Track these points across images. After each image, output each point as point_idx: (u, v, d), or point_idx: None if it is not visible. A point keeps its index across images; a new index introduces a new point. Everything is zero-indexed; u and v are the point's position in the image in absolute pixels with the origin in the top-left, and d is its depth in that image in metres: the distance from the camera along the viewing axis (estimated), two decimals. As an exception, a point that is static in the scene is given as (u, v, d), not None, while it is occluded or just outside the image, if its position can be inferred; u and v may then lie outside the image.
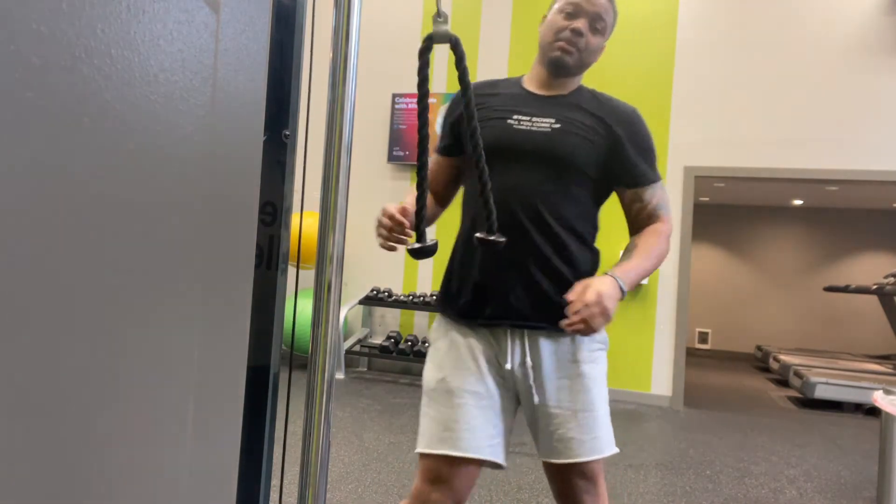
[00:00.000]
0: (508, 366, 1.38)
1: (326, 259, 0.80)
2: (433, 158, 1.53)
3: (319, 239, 0.80)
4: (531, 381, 1.38)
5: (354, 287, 5.96)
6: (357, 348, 5.68)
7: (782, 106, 5.05)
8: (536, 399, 1.38)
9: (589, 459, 1.34)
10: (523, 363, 1.38)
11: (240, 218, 0.63)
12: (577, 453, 1.34)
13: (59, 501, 0.40)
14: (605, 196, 1.49)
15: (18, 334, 0.36)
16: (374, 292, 5.61)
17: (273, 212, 0.92)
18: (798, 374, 5.95)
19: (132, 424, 0.47)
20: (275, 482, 2.43)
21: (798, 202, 9.52)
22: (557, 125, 1.39)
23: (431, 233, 5.84)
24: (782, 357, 6.99)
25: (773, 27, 5.08)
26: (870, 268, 9.55)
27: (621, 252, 1.62)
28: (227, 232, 0.60)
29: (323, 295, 0.80)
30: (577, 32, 1.36)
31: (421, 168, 0.93)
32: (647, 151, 1.44)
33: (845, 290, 7.59)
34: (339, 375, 5.46)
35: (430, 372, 1.43)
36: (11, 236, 0.35)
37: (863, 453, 4.07)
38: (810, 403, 5.80)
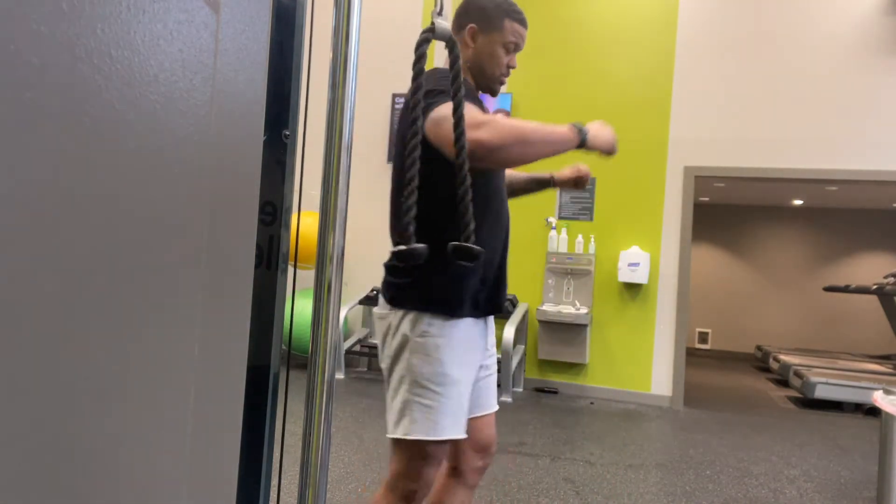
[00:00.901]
0: (491, 348, 1.60)
1: (326, 259, 0.80)
2: None
3: (319, 239, 0.80)
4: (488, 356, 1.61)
5: (354, 287, 5.96)
6: (357, 348, 5.68)
7: (782, 106, 5.05)
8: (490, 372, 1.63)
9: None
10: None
11: (240, 218, 0.63)
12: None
13: (60, 501, 0.40)
14: None
15: (18, 334, 0.36)
16: (374, 292, 5.61)
17: (273, 212, 0.92)
18: (798, 374, 5.95)
19: (132, 424, 0.47)
20: (274, 482, 2.43)
21: (798, 202, 9.52)
22: None
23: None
24: (782, 357, 6.99)
25: (773, 27, 5.08)
26: (870, 268, 9.55)
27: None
28: (227, 232, 0.60)
29: (323, 295, 0.80)
30: (511, 69, 1.54)
31: (413, 151, 0.92)
32: None
33: (845, 290, 7.59)
34: (339, 375, 5.46)
35: (439, 365, 1.43)
36: (12, 236, 0.35)
37: (863, 453, 4.07)
38: (810, 403, 5.80)
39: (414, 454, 1.41)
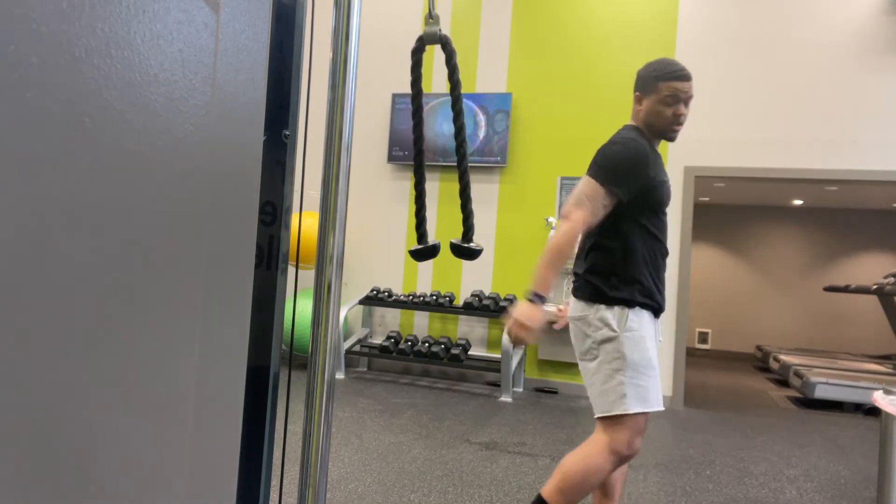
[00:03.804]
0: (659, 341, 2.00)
1: (326, 259, 0.80)
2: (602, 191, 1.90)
3: (319, 239, 0.80)
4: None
5: (354, 287, 5.96)
6: (357, 348, 5.68)
7: (782, 106, 5.05)
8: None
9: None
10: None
11: (240, 218, 0.63)
12: None
13: (60, 501, 0.40)
14: None
15: (18, 334, 0.36)
16: (374, 292, 5.61)
17: (273, 212, 0.92)
18: (798, 374, 5.95)
19: (132, 424, 0.47)
20: (275, 482, 2.43)
21: (798, 202, 9.52)
22: (668, 179, 1.98)
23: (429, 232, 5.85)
24: (782, 357, 6.99)
25: (773, 27, 5.08)
26: (870, 268, 9.55)
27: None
28: (227, 232, 0.60)
29: (323, 295, 0.80)
30: (681, 117, 1.92)
31: (418, 168, 0.92)
32: None
33: (845, 290, 7.59)
34: (339, 375, 5.46)
35: (644, 352, 1.86)
36: (12, 235, 0.35)
37: (863, 453, 4.07)
38: (810, 403, 5.80)
39: (631, 425, 1.82)
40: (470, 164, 5.60)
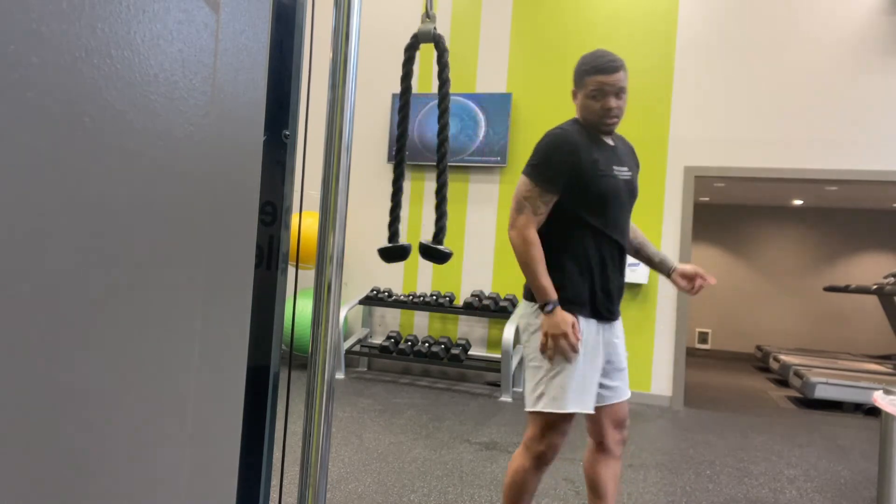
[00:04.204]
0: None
1: (326, 259, 0.80)
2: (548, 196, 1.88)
3: (319, 239, 0.80)
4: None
5: (354, 287, 5.96)
6: (357, 348, 5.68)
7: (782, 106, 5.05)
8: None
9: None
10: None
11: (240, 218, 0.63)
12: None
13: (60, 501, 0.40)
14: None
15: (18, 334, 0.36)
16: (374, 292, 5.61)
17: (273, 212, 0.92)
18: (798, 374, 5.95)
19: (132, 424, 0.47)
20: (275, 482, 2.43)
21: (798, 202, 9.52)
22: (630, 173, 1.93)
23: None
24: (782, 357, 6.99)
25: (774, 27, 5.08)
26: (870, 268, 9.55)
27: (636, 239, 2.13)
28: (227, 232, 0.60)
29: (323, 295, 0.80)
30: (610, 110, 1.85)
31: (398, 164, 0.92)
32: None
33: (845, 290, 7.59)
34: (339, 375, 5.46)
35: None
36: (11, 236, 0.35)
37: (863, 453, 4.07)
38: (810, 403, 5.80)
39: (543, 423, 1.85)
40: (470, 164, 5.60)
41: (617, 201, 1.86)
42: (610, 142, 1.93)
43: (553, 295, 1.80)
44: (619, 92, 1.83)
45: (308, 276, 6.13)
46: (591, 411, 1.84)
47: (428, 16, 0.91)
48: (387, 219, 5.91)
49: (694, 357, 9.25)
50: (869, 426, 4.96)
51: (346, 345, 5.54)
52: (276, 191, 0.91)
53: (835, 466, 3.70)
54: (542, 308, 1.81)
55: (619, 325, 1.97)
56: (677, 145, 5.22)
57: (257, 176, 0.66)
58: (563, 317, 1.78)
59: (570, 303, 1.83)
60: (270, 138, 0.90)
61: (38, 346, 0.37)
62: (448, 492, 2.81)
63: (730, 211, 10.23)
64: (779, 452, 3.94)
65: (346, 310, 5.51)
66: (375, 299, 5.51)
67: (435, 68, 5.83)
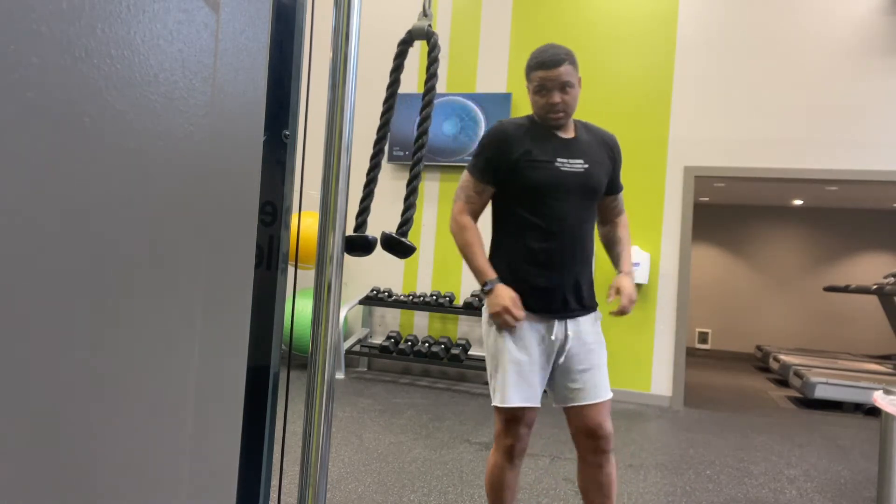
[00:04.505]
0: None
1: (326, 259, 0.80)
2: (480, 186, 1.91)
3: (319, 239, 0.80)
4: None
5: (354, 287, 5.96)
6: (357, 348, 5.67)
7: (782, 106, 5.05)
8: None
9: None
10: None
11: (240, 218, 0.63)
12: None
13: (60, 501, 0.40)
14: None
15: (18, 334, 0.36)
16: (374, 292, 5.61)
17: (273, 212, 0.92)
18: (798, 374, 5.95)
19: (132, 424, 0.47)
20: (275, 482, 2.43)
21: (798, 202, 9.52)
22: (586, 165, 1.87)
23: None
24: (782, 357, 6.99)
25: (774, 27, 5.08)
26: (870, 268, 9.54)
27: (603, 237, 2.10)
28: (227, 232, 0.60)
29: (323, 295, 0.80)
30: (554, 106, 1.82)
31: (376, 154, 0.92)
32: (620, 169, 2.02)
33: (845, 290, 7.59)
34: (339, 375, 5.46)
35: (501, 347, 1.86)
36: (12, 236, 0.35)
37: (863, 453, 4.07)
38: (810, 403, 5.80)
39: (499, 417, 1.87)
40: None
41: (556, 193, 1.82)
42: (565, 134, 1.89)
43: (491, 274, 1.82)
44: (564, 86, 1.81)
45: (308, 276, 6.13)
46: (537, 405, 1.83)
47: (425, 13, 0.91)
48: (388, 219, 5.91)
49: (694, 357, 9.25)
50: (869, 426, 4.96)
51: (346, 345, 5.54)
52: (276, 191, 0.91)
53: (835, 466, 3.70)
54: (482, 289, 1.83)
55: (583, 323, 1.89)
56: (677, 145, 5.21)
57: (257, 176, 0.66)
58: (501, 292, 1.79)
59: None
60: (270, 138, 0.90)
61: (37, 345, 0.37)
62: (448, 492, 2.81)
63: (730, 211, 10.23)
64: (779, 452, 3.94)
65: (346, 310, 5.51)
66: (375, 299, 5.51)
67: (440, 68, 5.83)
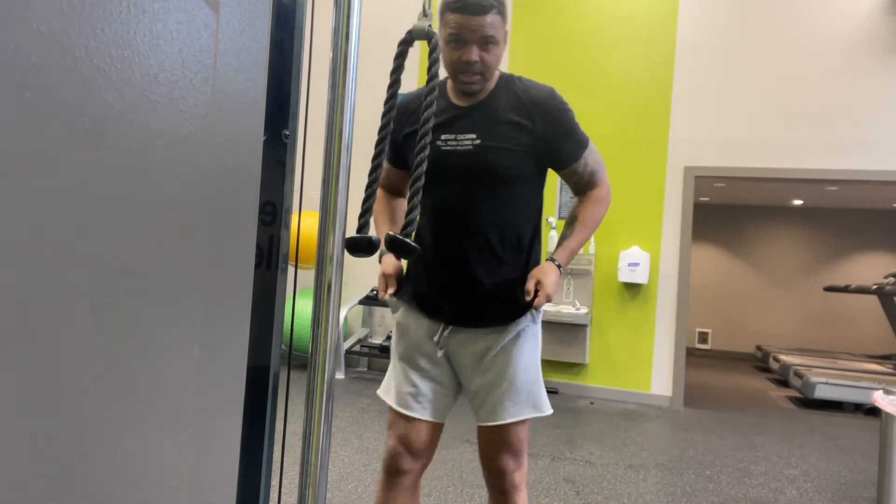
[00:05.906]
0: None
1: (326, 259, 0.80)
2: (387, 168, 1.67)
3: (319, 239, 0.80)
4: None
5: (354, 287, 5.96)
6: (357, 348, 5.68)
7: (782, 106, 5.05)
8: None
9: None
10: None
11: (240, 218, 0.63)
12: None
13: (59, 501, 0.40)
14: (542, 181, 1.60)
15: (18, 334, 0.36)
16: (374, 292, 5.61)
17: (273, 212, 0.92)
18: (798, 374, 5.95)
19: (132, 424, 0.47)
20: (275, 482, 2.43)
21: (798, 202, 9.52)
22: (478, 141, 1.47)
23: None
24: (782, 357, 6.99)
25: (774, 27, 5.08)
26: (870, 268, 9.54)
27: (567, 218, 1.69)
28: (227, 232, 0.60)
29: (323, 295, 0.80)
30: (470, 65, 1.42)
31: (378, 155, 0.92)
32: (568, 132, 1.52)
33: (845, 290, 7.59)
34: (339, 375, 5.46)
35: (394, 345, 1.71)
36: (11, 236, 0.35)
37: (863, 453, 4.07)
38: (810, 403, 5.80)
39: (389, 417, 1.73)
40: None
41: (442, 178, 1.47)
42: (463, 102, 1.50)
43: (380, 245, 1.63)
44: (486, 41, 1.40)
45: (308, 276, 6.13)
46: (406, 412, 1.59)
47: (425, 13, 0.91)
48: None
49: (694, 357, 9.25)
50: (869, 426, 4.96)
51: (346, 345, 5.54)
52: (276, 191, 0.91)
53: (835, 466, 3.70)
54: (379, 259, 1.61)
55: (504, 337, 1.52)
56: (677, 145, 5.21)
57: (257, 176, 0.66)
58: (384, 263, 1.58)
59: (399, 288, 1.60)
60: (270, 138, 0.90)
61: (37, 346, 0.37)
62: (448, 492, 2.80)
63: (730, 211, 10.23)
64: (779, 452, 3.94)
65: (346, 310, 5.51)
66: (375, 299, 5.51)
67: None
